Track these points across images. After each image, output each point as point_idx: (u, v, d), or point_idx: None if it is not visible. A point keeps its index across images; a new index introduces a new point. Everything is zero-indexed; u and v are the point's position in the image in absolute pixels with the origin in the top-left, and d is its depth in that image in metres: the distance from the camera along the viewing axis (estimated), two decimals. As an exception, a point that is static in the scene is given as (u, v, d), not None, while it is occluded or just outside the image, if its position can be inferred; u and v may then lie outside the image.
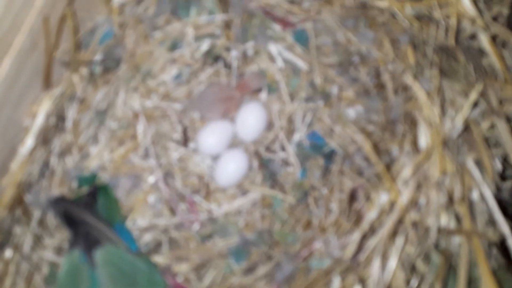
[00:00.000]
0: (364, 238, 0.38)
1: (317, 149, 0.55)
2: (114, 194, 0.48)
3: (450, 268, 0.34)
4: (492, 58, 0.36)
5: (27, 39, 0.37)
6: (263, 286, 0.46)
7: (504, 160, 0.37)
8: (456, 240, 0.34)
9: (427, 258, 0.35)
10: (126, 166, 0.50)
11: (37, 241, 0.45)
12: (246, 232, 0.52)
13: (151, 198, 0.51)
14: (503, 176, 0.39)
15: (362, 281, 0.36)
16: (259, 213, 0.53)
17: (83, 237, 0.40)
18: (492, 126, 0.36)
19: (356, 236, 0.37)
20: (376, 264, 0.35)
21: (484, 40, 0.36)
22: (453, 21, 0.37)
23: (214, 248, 0.51)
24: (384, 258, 0.35)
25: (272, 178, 0.55)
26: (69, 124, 0.46)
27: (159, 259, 0.49)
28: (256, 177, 0.55)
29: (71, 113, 0.45)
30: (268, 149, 0.56)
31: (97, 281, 0.39)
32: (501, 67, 0.36)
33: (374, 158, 0.41)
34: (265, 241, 0.52)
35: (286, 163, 0.55)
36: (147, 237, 0.50)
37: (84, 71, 0.45)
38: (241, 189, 0.54)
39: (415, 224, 0.35)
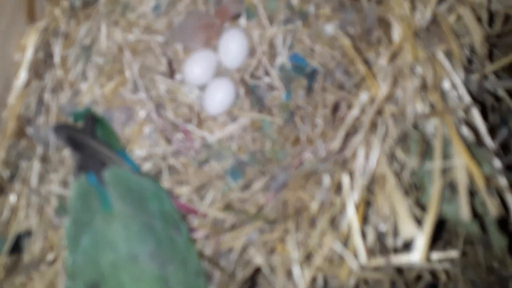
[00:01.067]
0: (348, 136, 0.42)
1: (300, 70, 0.58)
2: (109, 125, 0.50)
3: (427, 148, 0.38)
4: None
5: None
6: (260, 197, 0.50)
7: (472, 51, 0.41)
8: (431, 124, 0.38)
9: (405, 145, 0.39)
10: (118, 100, 0.52)
11: (43, 175, 0.47)
12: (240, 155, 0.56)
13: (146, 129, 0.54)
14: (470, 69, 0.42)
15: (350, 173, 0.40)
16: (250, 136, 0.57)
17: (90, 159, 0.43)
18: (459, 18, 0.40)
19: (340, 134, 0.41)
20: (360, 155, 0.39)
21: None
22: None
23: (211, 171, 0.55)
24: (367, 149, 0.39)
25: (259, 103, 0.58)
26: (57, 59, 0.47)
27: (161, 184, 0.52)
28: (244, 103, 0.58)
29: (58, 48, 0.47)
30: (252, 75, 0.59)
31: (107, 200, 0.41)
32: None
33: (352, 53, 0.43)
34: (258, 160, 0.56)
35: (271, 87, 0.58)
36: (147, 166, 0.53)
37: (64, 4, 0.46)
38: (231, 115, 0.57)
39: (393, 115, 0.39)
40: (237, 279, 0.45)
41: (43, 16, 0.44)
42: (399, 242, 0.36)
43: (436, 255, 0.38)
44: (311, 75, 0.58)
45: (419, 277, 0.46)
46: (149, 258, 0.40)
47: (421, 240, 0.33)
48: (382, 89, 0.39)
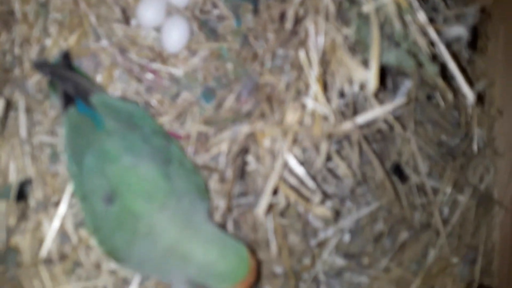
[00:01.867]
0: (298, 19, 0.48)
1: (244, -4, 0.64)
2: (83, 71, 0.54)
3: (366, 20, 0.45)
4: None
5: None
6: (235, 105, 0.56)
7: None
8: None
9: (346, 21, 0.46)
10: (84, 51, 0.56)
11: (31, 126, 0.51)
12: (207, 83, 0.62)
13: (116, 73, 0.58)
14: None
15: (306, 50, 0.46)
16: (213, 65, 0.62)
17: (74, 89, 0.47)
18: None
19: (290, 12, 0.47)
20: (311, 33, 0.46)
21: None
22: None
23: (185, 101, 0.60)
24: (316, 26, 0.46)
25: (213, 34, 0.64)
26: (18, 15, 0.50)
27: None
28: (199, 37, 0.63)
29: (17, 5, 0.50)
30: (202, 11, 0.64)
31: (100, 119, 0.45)
32: None
33: None
34: (224, 84, 0.62)
35: (221, 17, 0.64)
36: (124, 105, 0.57)
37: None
38: (191, 50, 0.63)
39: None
40: (229, 178, 0.51)
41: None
42: (356, 88, 0.43)
43: (388, 106, 0.46)
44: (255, -2, 0.64)
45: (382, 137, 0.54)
46: (150, 161, 0.44)
47: (371, 76, 0.40)
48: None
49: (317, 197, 0.46)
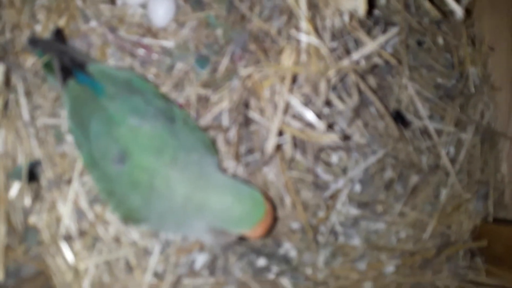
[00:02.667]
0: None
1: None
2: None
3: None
4: None
5: None
6: (230, 67, 0.56)
7: None
8: None
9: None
10: (74, 33, 0.56)
11: (33, 110, 0.51)
12: (199, 51, 0.62)
13: (109, 51, 0.58)
14: None
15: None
16: (203, 33, 0.62)
17: (70, 61, 0.47)
18: None
19: None
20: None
21: None
22: None
23: (180, 72, 0.60)
24: None
25: (198, 4, 0.64)
26: (5, 1, 0.50)
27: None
28: (186, 9, 0.63)
29: (1, -10, 0.50)
30: (184, -17, 0.64)
31: (101, 87, 0.45)
32: None
33: None
34: (216, 50, 0.62)
35: (204, -13, 0.64)
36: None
37: None
38: (179, 22, 0.63)
39: None
40: (233, 136, 0.51)
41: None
42: (346, 18, 0.43)
43: (381, 38, 0.46)
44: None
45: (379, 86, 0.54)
46: (154, 120, 0.44)
47: (360, 3, 0.40)
48: None
49: (321, 125, 0.45)
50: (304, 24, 0.45)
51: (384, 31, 0.65)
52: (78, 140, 0.46)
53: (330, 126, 0.61)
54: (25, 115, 0.50)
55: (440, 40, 0.77)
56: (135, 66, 0.58)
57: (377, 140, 0.71)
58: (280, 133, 0.46)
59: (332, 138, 0.45)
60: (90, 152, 0.45)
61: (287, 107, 0.47)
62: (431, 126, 0.74)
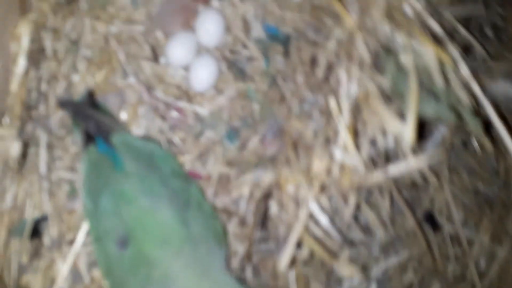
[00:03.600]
0: (330, 69, 0.45)
1: (274, 38, 0.62)
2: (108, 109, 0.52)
3: (398, 66, 0.42)
4: None
5: None
6: (259, 148, 0.53)
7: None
8: (399, 41, 0.42)
9: (381, 66, 0.43)
10: (110, 87, 0.55)
11: (50, 163, 0.49)
12: (232, 122, 0.59)
13: (141, 110, 0.56)
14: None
15: (337, 98, 0.43)
16: (239, 105, 0.60)
17: (96, 128, 0.45)
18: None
19: (322, 61, 0.44)
20: (343, 80, 0.43)
21: None
22: None
23: (208, 140, 0.57)
24: (348, 74, 0.43)
25: (241, 74, 0.61)
26: (49, 52, 0.49)
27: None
28: (227, 77, 0.61)
29: (48, 42, 0.49)
30: (231, 51, 0.62)
31: (120, 160, 0.43)
32: None
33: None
34: (249, 123, 0.59)
35: (250, 58, 0.62)
36: (147, 142, 0.55)
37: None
38: (218, 89, 0.60)
39: (366, 41, 0.43)
40: (249, 223, 0.47)
41: (32, 10, 0.46)
42: (390, 141, 0.39)
43: (423, 157, 0.41)
44: (286, 41, 0.61)
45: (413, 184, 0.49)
46: (168, 205, 0.41)
47: (408, 130, 0.36)
48: (353, 17, 0.43)
49: (344, 254, 0.41)
50: (343, 138, 0.41)
51: (428, 127, 0.61)
52: (87, 208, 0.44)
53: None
54: (42, 167, 0.49)
55: (489, 146, 0.72)
56: (164, 129, 0.56)
57: (403, 240, 0.65)
58: (299, 244, 0.42)
59: (352, 273, 0.41)
60: (96, 224, 0.42)
61: (310, 214, 0.43)
62: (464, 234, 0.68)
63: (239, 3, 0.60)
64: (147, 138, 0.50)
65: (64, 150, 0.51)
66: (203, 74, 0.59)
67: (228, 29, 0.61)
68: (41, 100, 0.49)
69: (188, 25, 0.60)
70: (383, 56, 0.42)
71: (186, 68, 0.60)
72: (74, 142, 0.51)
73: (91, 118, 0.45)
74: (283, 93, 0.59)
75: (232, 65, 0.62)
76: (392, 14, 0.42)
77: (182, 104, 0.58)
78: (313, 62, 0.57)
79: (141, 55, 0.58)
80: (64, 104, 0.46)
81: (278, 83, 0.60)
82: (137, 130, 0.55)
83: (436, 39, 0.41)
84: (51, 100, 0.50)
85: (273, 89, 0.60)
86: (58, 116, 0.50)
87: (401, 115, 0.41)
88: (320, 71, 0.45)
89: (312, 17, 0.58)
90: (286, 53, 0.61)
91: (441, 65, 0.37)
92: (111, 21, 0.55)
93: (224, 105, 0.60)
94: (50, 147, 0.50)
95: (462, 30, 0.44)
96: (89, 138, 0.45)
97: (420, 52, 0.39)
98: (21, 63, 0.44)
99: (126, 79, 0.56)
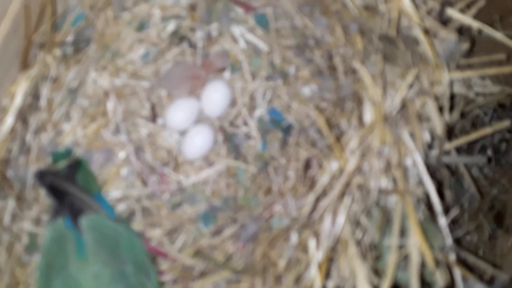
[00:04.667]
0: (318, 199, 0.44)
1: (276, 124, 0.60)
2: (89, 167, 0.51)
3: (387, 221, 0.41)
4: (425, 46, 0.43)
5: (10, 27, 0.39)
6: (230, 245, 0.51)
7: (433, 132, 0.45)
8: (393, 198, 0.41)
9: (369, 214, 0.42)
10: (99, 142, 0.53)
11: (16, 213, 0.47)
12: (213, 199, 0.57)
13: (124, 171, 0.54)
14: (431, 145, 0.46)
15: (316, 235, 0.42)
16: (225, 182, 0.58)
17: (68, 206, 0.43)
18: (424, 104, 0.43)
19: (311, 198, 0.44)
20: (327, 220, 0.41)
21: (419, 32, 0.42)
22: (394, 15, 0.43)
23: (184, 214, 0.56)
24: (334, 215, 0.42)
25: (235, 150, 0.60)
26: (43, 102, 0.47)
27: (133, 226, 0.53)
28: (221, 149, 0.59)
29: (45, 91, 0.47)
30: (232, 124, 0.60)
31: (83, 245, 0.41)
32: (432, 54, 0.42)
33: (326, 131, 0.47)
34: (230, 206, 0.57)
35: (248, 136, 0.60)
36: (121, 207, 0.53)
37: (57, 51, 0.47)
38: (207, 161, 0.59)
39: (360, 186, 0.42)
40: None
41: (36, 63, 0.44)
42: None
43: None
44: (287, 130, 0.60)
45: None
46: None
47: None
48: (351, 162, 0.42)
49: None
50: (312, 276, 0.40)
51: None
52: (40, 281, 0.42)
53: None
54: (7, 218, 0.47)
55: None
56: (141, 196, 0.54)
57: None
58: None
59: None
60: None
61: None
62: None
63: (250, 80, 0.59)
64: (119, 219, 0.48)
65: (35, 201, 0.49)
66: (198, 142, 0.58)
67: (233, 102, 0.60)
68: (23, 151, 0.47)
69: (195, 93, 0.58)
70: (372, 207, 0.41)
71: (182, 133, 0.58)
72: (48, 197, 0.49)
73: (65, 196, 0.43)
74: (271, 185, 0.58)
75: (229, 139, 0.60)
76: (392, 170, 0.41)
77: (167, 170, 0.56)
78: (308, 165, 0.56)
79: (139, 113, 0.56)
80: (40, 176, 0.44)
81: (268, 171, 0.59)
82: (114, 192, 0.53)
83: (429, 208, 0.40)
84: (33, 151, 0.48)
85: (262, 175, 0.58)
86: (36, 167, 0.48)
87: (376, 273, 0.40)
88: (309, 203, 0.43)
89: (317, 117, 0.57)
90: (284, 142, 0.60)
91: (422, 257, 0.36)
92: (116, 73, 0.53)
93: (210, 179, 0.58)
94: (20, 198, 0.48)
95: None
96: (58, 210, 0.43)
97: (408, 227, 0.38)
98: (8, 121, 0.42)
99: (117, 136, 0.54)
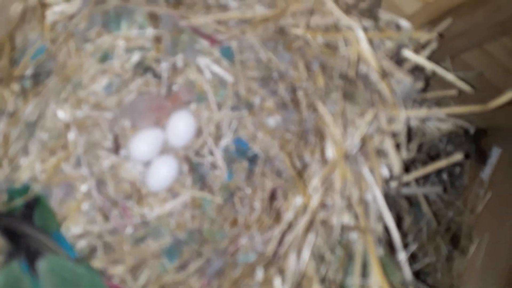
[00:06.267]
0: (283, 234, 0.44)
1: (242, 153, 0.61)
2: (48, 204, 0.49)
3: (349, 257, 0.42)
4: (383, 86, 0.45)
5: None
6: (195, 281, 0.51)
7: (391, 167, 0.46)
8: (355, 234, 0.42)
9: (332, 250, 0.43)
10: (59, 176, 0.51)
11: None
12: (178, 232, 0.56)
13: (85, 206, 0.52)
14: (391, 177, 0.48)
15: (281, 271, 0.42)
16: (190, 213, 0.58)
17: (24, 249, 0.41)
18: (382, 141, 0.45)
19: (276, 233, 0.44)
20: (292, 257, 0.42)
21: (376, 76, 0.44)
22: (354, 57, 0.45)
23: (148, 249, 0.54)
24: (299, 252, 0.42)
25: (201, 181, 0.59)
26: (-1, 137, 0.45)
27: (95, 263, 0.51)
28: (186, 180, 0.59)
29: (1, 127, 0.45)
30: (197, 153, 0.60)
31: None
32: (390, 95, 0.44)
33: (289, 168, 0.48)
34: (195, 239, 0.56)
35: (214, 166, 0.60)
36: (82, 243, 0.51)
37: (15, 86, 0.45)
38: (172, 192, 0.58)
39: (323, 222, 0.43)
40: None
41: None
42: None
43: None
44: (253, 159, 0.60)
45: None
46: None
47: None
48: (314, 199, 0.42)
49: None
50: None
51: None
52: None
53: None
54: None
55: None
56: (103, 232, 0.52)
57: None
58: None
59: None
60: None
61: None
62: None
63: (216, 110, 0.59)
64: (78, 260, 0.46)
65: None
66: (163, 173, 0.57)
67: (199, 132, 0.59)
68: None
69: (159, 124, 0.57)
70: (335, 244, 0.42)
71: (146, 164, 0.57)
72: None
73: (21, 238, 0.41)
74: (237, 216, 0.58)
75: (194, 169, 0.59)
76: (354, 206, 0.42)
77: (130, 204, 0.55)
78: (273, 196, 0.57)
79: (102, 144, 0.54)
80: None
81: (234, 201, 0.58)
82: (75, 228, 0.51)
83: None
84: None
85: (228, 206, 0.58)
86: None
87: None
88: (274, 240, 0.44)
89: (282, 148, 0.58)
90: (250, 172, 0.60)
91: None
92: (78, 105, 0.52)
93: (174, 211, 0.57)
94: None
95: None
96: (14, 253, 0.41)
97: (370, 263, 0.39)
98: (-42, 161, 0.40)
99: (78, 169, 0.52)
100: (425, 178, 0.75)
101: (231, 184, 0.59)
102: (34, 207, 0.45)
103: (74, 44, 0.49)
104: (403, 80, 0.45)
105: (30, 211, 0.44)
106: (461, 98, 0.54)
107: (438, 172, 0.82)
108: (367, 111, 0.43)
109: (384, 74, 0.43)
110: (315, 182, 0.43)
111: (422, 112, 0.45)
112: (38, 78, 0.47)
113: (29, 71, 0.47)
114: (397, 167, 0.43)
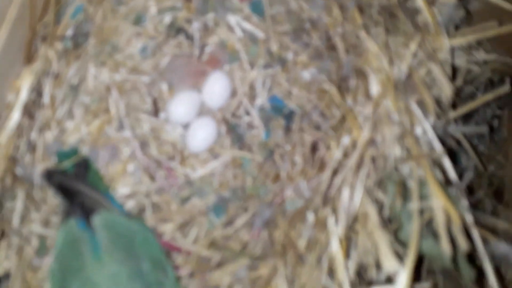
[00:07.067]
0: (332, 175, 0.44)
1: (278, 111, 0.60)
2: (95, 166, 0.49)
3: (403, 192, 0.41)
4: (426, 14, 0.44)
5: (16, 15, 0.38)
6: (244, 234, 0.51)
7: (438, 101, 0.45)
8: (406, 168, 0.42)
9: (384, 185, 0.42)
10: (103, 139, 0.52)
11: (25, 215, 0.45)
12: (221, 191, 0.57)
13: (130, 167, 0.53)
14: (438, 116, 0.47)
15: (334, 211, 0.42)
16: (231, 173, 0.58)
17: (79, 206, 0.42)
18: (429, 73, 0.44)
19: (327, 174, 0.43)
20: (345, 194, 0.41)
21: (419, 0, 0.43)
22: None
23: (194, 208, 0.55)
24: (352, 188, 0.41)
25: (239, 141, 0.59)
26: (46, 99, 0.46)
27: (145, 222, 0.52)
28: (225, 141, 0.59)
29: (48, 88, 0.46)
30: (234, 115, 0.60)
31: (97, 246, 0.40)
32: (433, 22, 0.43)
33: (338, 100, 0.46)
34: (239, 196, 0.57)
35: (251, 126, 0.60)
36: (130, 203, 0.52)
37: (59, 45, 0.46)
38: (213, 153, 0.58)
39: (373, 158, 0.42)
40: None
41: (38, 58, 0.43)
42: (382, 277, 0.38)
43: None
44: (289, 116, 0.60)
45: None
46: None
47: (404, 276, 0.35)
48: (365, 132, 0.41)
49: None
50: (334, 255, 0.39)
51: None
52: (55, 284, 0.40)
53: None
54: (16, 220, 0.45)
55: None
56: (150, 191, 0.53)
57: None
58: None
59: None
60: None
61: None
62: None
63: (249, 69, 0.58)
64: (131, 216, 0.47)
65: (42, 201, 0.47)
66: (202, 135, 0.57)
67: (234, 93, 0.59)
68: (29, 150, 0.45)
69: (196, 86, 0.58)
70: (389, 178, 0.41)
71: (185, 127, 0.58)
72: (56, 197, 0.47)
73: (75, 195, 0.42)
74: (279, 172, 0.57)
75: (232, 130, 0.59)
76: (404, 138, 0.41)
77: (174, 164, 0.55)
78: (314, 148, 0.56)
79: (142, 108, 0.55)
80: (49, 176, 0.43)
81: (274, 158, 0.58)
82: (123, 189, 0.52)
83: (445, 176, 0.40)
84: (39, 149, 0.46)
85: (269, 163, 0.58)
86: (42, 166, 0.47)
87: (398, 242, 0.40)
88: (325, 181, 0.43)
89: (320, 100, 0.57)
90: (288, 129, 0.59)
91: (448, 221, 0.36)
92: (116, 69, 0.52)
93: (216, 171, 0.57)
94: (28, 198, 0.46)
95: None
96: (70, 211, 0.42)
97: (426, 193, 0.38)
98: (15, 117, 0.41)
99: (121, 132, 0.53)
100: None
101: (269, 142, 0.59)
102: (86, 166, 0.46)
103: (109, 5, 0.49)
104: (446, 3, 0.43)
105: (82, 170, 0.45)
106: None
107: (477, 125, 0.79)
108: (411, 41, 0.42)
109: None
110: (366, 111, 0.42)
111: (467, 38, 0.44)
112: (77, 39, 0.48)
113: (69, 32, 0.48)
114: (448, 95, 0.42)
